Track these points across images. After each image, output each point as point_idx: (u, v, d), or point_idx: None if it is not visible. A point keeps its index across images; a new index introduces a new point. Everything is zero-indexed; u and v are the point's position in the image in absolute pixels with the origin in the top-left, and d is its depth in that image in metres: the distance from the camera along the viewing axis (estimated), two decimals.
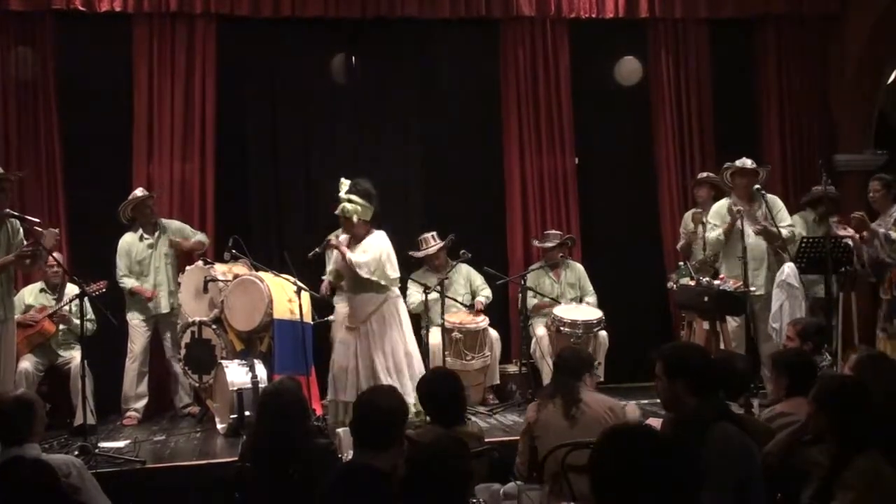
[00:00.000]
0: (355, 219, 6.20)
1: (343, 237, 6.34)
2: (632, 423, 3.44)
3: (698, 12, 8.40)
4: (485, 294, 7.70)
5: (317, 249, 6.32)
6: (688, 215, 7.84)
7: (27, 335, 6.59)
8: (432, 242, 7.61)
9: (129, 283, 7.02)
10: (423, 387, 4.26)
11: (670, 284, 7.51)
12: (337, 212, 6.25)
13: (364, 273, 6.13)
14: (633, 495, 2.15)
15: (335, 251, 6.34)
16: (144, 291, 7.01)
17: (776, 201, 7.17)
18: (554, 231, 7.86)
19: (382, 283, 6.19)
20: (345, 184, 6.24)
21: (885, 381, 3.65)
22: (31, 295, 6.83)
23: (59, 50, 7.61)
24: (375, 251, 6.17)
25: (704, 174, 7.83)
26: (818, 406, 3.30)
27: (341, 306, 7.68)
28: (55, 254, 6.29)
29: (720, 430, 3.18)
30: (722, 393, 3.66)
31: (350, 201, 6.17)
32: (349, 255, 6.16)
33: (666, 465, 2.18)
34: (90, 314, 6.30)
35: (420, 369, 6.26)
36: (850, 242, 6.71)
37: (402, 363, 6.22)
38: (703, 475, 2.85)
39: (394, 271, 6.26)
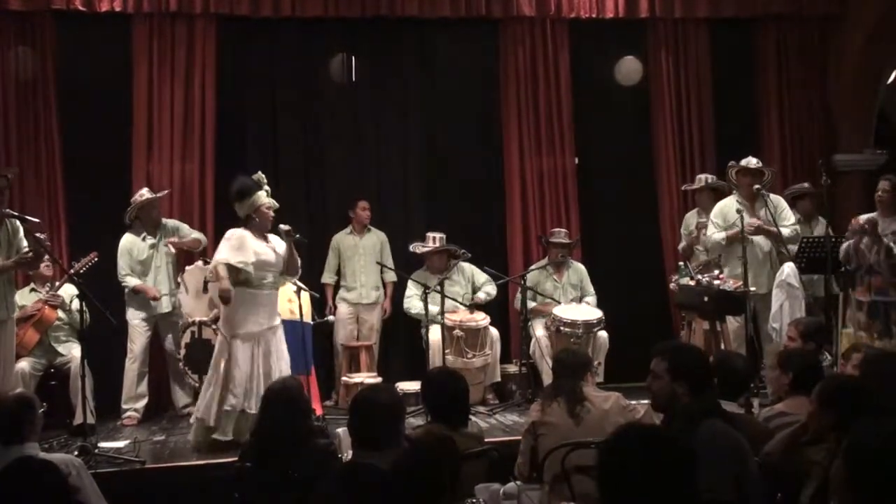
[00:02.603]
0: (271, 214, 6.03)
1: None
2: (642, 423, 3.45)
3: (698, 12, 8.40)
4: (486, 290, 7.69)
5: (298, 236, 6.02)
6: (689, 216, 7.85)
7: (32, 323, 6.60)
8: (431, 244, 7.61)
9: (132, 281, 6.99)
10: (426, 385, 4.25)
11: (672, 285, 7.51)
12: (272, 205, 5.95)
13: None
14: (641, 495, 2.15)
15: (273, 243, 5.99)
16: (148, 291, 7.01)
17: (780, 201, 7.18)
18: (563, 229, 7.87)
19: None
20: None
21: (891, 380, 3.65)
22: (21, 296, 6.82)
23: (59, 50, 7.61)
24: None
25: (703, 178, 7.78)
26: (820, 405, 3.29)
27: (343, 306, 7.73)
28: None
29: (708, 427, 3.19)
30: (717, 392, 3.68)
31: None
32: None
33: (676, 466, 2.18)
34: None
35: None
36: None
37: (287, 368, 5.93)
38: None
39: None
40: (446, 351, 6.95)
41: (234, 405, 5.73)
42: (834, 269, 6.53)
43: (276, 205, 6.01)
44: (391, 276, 7.86)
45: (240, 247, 5.82)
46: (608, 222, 8.50)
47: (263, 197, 5.91)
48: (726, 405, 3.65)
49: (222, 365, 5.79)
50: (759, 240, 7.00)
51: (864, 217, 6.18)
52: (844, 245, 6.18)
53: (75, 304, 6.49)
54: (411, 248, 7.73)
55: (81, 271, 6.64)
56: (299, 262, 6.07)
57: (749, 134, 8.59)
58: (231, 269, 5.77)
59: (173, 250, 7.11)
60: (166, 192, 7.34)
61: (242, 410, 5.72)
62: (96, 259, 6.79)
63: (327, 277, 7.80)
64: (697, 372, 3.41)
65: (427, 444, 2.86)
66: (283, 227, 5.93)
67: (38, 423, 4.10)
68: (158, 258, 7.11)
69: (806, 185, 7.79)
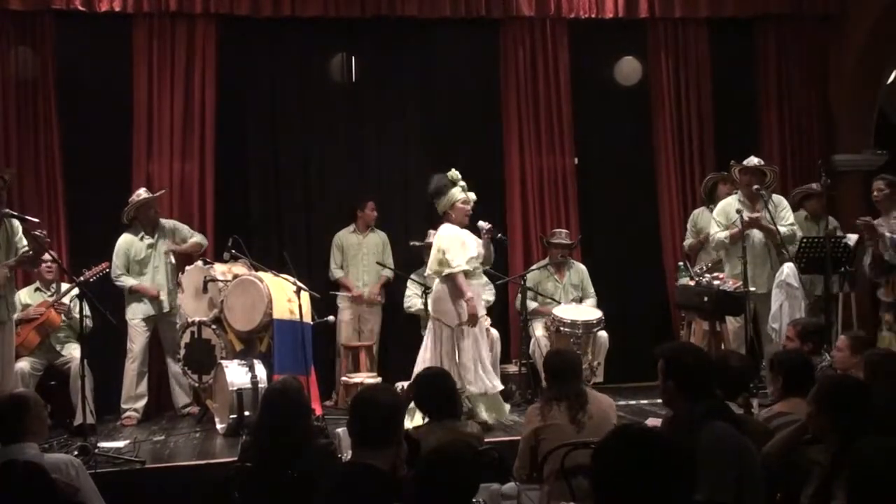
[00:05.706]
0: None
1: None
2: (635, 424, 3.45)
3: (698, 12, 8.39)
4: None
5: (500, 235, 6.60)
6: (696, 213, 7.83)
7: (35, 326, 6.61)
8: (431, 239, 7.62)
9: (128, 281, 7.00)
10: (416, 387, 4.27)
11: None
12: (468, 200, 6.23)
13: None
14: (635, 495, 2.16)
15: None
16: (149, 290, 7.01)
17: (781, 200, 7.17)
18: (563, 230, 7.87)
19: None
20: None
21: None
22: (27, 295, 6.83)
23: (59, 50, 7.60)
24: None
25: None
26: (818, 406, 3.29)
27: (345, 305, 7.72)
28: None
29: (712, 429, 3.18)
30: (719, 393, 3.67)
31: None
32: None
33: (671, 468, 2.19)
34: (86, 310, 6.28)
35: None
36: (851, 242, 6.70)
37: None
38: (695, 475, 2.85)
39: None
40: None
41: (472, 391, 6.05)
42: (834, 269, 6.54)
43: (474, 197, 6.26)
44: (389, 273, 7.85)
45: (463, 244, 6.14)
46: (608, 222, 8.50)
47: (459, 193, 6.21)
48: None
49: (447, 355, 6.10)
50: (759, 240, 6.99)
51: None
52: (867, 261, 6.24)
53: (75, 305, 6.50)
54: (412, 243, 7.74)
55: (91, 280, 6.63)
56: (493, 255, 6.52)
57: (749, 134, 8.59)
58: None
59: (174, 261, 7.11)
60: (163, 191, 7.34)
61: (485, 392, 6.10)
62: (107, 269, 6.80)
63: (337, 273, 7.80)
64: (690, 372, 3.38)
65: (449, 455, 2.88)
66: (483, 224, 6.29)
67: (37, 423, 4.07)
68: (157, 258, 7.10)
69: (814, 185, 7.65)
